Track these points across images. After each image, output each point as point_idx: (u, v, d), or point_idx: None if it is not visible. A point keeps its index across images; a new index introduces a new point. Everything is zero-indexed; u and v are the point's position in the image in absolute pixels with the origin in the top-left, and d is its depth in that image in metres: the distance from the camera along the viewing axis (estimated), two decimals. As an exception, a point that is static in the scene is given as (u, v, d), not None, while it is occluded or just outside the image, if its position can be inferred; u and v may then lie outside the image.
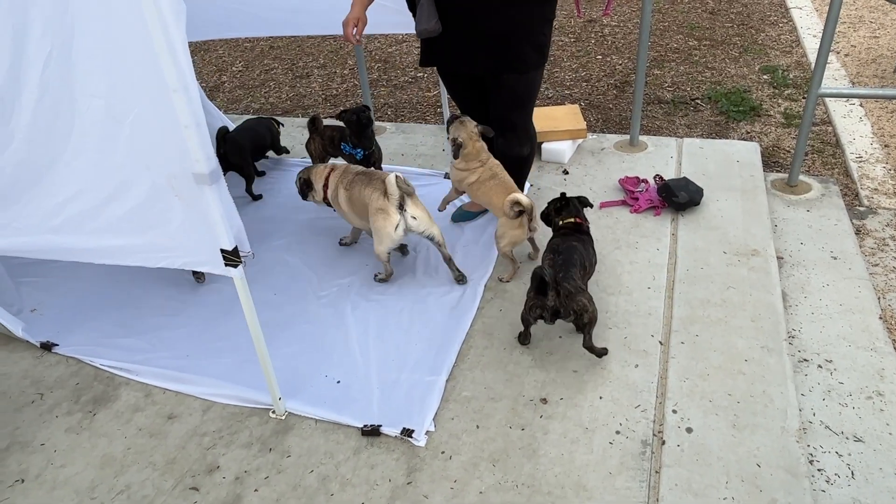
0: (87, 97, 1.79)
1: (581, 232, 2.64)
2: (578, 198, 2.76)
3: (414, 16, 2.68)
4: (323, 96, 5.41)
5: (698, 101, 4.74)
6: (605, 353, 2.41)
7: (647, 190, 3.36)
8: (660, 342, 2.52)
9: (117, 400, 2.47)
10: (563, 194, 2.77)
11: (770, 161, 3.94)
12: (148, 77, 1.66)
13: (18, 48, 1.75)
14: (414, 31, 2.72)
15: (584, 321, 2.33)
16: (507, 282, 2.88)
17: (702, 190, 3.28)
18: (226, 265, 1.94)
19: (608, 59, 5.56)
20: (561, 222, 2.68)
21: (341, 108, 3.44)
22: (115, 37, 1.66)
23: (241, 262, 1.95)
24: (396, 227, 2.72)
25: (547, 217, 2.80)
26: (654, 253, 2.99)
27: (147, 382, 2.52)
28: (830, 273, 2.89)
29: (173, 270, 2.06)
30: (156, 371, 2.54)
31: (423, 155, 4.03)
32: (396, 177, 2.67)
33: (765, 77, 5.00)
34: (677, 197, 3.20)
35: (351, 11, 2.72)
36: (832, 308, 2.71)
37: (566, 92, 5.08)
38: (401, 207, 2.72)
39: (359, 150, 3.31)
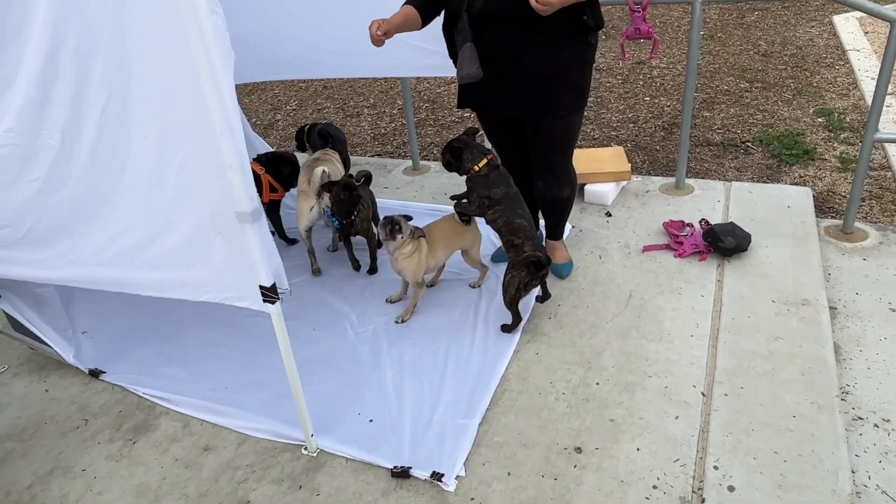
0: (139, 138, 1.89)
1: (497, 167, 2.73)
2: (465, 133, 2.80)
3: (455, 63, 2.72)
4: (372, 135, 5.54)
5: (749, 144, 4.64)
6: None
7: (692, 234, 3.28)
8: (702, 393, 2.43)
9: (157, 429, 2.52)
10: (450, 141, 2.77)
11: (824, 207, 3.80)
12: (197, 120, 1.74)
13: (80, 93, 1.86)
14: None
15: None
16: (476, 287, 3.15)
17: (749, 236, 3.19)
18: (264, 301, 1.99)
19: (656, 100, 5.52)
20: (478, 167, 2.69)
21: (334, 181, 3.26)
22: (168, 83, 1.75)
23: (278, 298, 2.00)
24: (311, 209, 3.21)
25: (453, 166, 2.77)
26: (698, 299, 2.91)
27: (186, 413, 2.58)
28: (889, 326, 2.75)
29: (215, 304, 2.11)
30: (195, 402, 2.60)
31: (465, 194, 4.05)
32: (323, 171, 3.13)
33: (819, 120, 4.87)
34: (723, 242, 3.12)
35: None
36: (890, 363, 2.56)
37: (612, 133, 5.06)
38: (319, 195, 3.14)
39: (335, 219, 3.20)
